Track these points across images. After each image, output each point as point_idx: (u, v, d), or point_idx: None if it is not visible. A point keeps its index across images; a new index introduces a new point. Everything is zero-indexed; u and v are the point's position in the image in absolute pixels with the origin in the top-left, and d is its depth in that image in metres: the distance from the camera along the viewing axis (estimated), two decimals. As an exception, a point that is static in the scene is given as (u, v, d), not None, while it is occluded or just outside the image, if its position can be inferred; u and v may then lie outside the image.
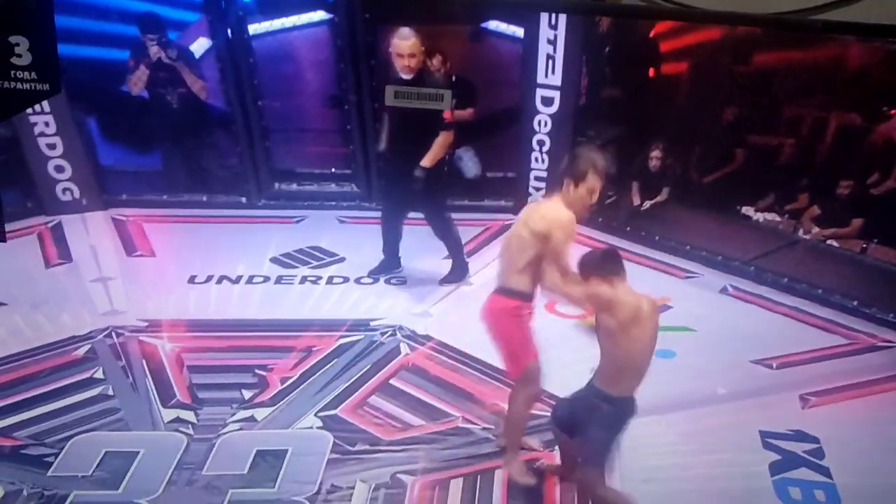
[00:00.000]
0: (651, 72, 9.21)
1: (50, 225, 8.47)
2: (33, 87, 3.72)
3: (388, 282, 7.56)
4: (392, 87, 7.05)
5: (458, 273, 7.59)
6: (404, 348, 6.62)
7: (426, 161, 7.02)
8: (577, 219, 4.92)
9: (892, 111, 8.05)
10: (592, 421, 4.61)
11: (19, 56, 3.66)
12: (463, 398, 6.07)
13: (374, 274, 7.61)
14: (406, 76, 6.92)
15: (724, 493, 5.20)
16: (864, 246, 7.78)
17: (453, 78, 8.74)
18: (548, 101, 8.22)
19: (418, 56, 6.89)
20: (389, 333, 6.79)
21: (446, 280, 7.53)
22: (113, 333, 6.73)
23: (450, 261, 7.64)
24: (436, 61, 8.62)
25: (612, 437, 4.63)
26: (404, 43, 6.82)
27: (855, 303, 7.22)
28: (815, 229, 8.01)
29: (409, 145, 7.10)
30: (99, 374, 6.28)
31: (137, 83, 8.29)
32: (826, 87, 8.40)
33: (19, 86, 3.70)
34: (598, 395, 4.58)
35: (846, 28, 6.88)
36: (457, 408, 5.97)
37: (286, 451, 5.52)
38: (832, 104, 8.50)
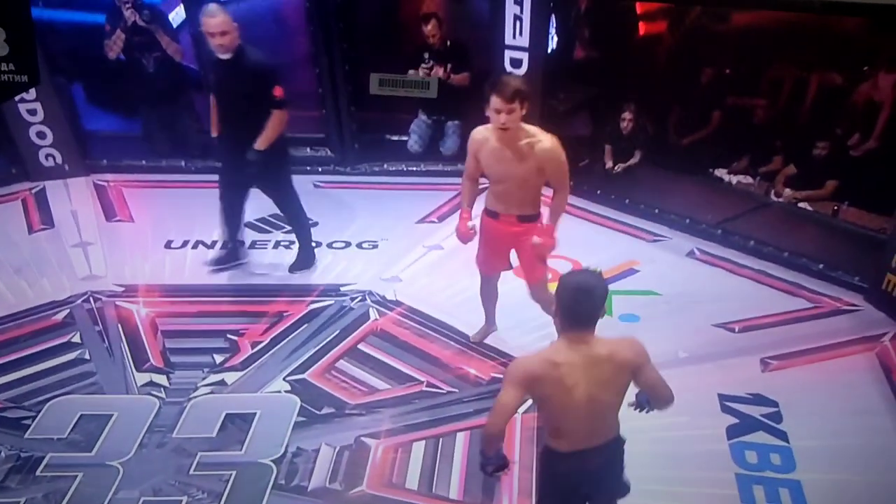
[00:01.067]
0: (623, 31, 9.22)
1: (34, 191, 8.62)
2: (11, 79, 3.64)
3: (359, 246, 7.65)
4: (377, 76, 6.85)
5: (305, 260, 7.30)
6: (373, 314, 6.72)
7: (260, 143, 6.46)
8: (502, 141, 5.28)
9: (872, 70, 8.09)
10: None
11: (-4, 47, 3.54)
12: (429, 362, 6.19)
13: (217, 265, 7.28)
14: (222, 56, 6.31)
15: (680, 456, 5.29)
16: (836, 208, 7.83)
17: (448, 43, 8.79)
18: (516, 63, 8.14)
19: (231, 33, 6.24)
20: (359, 299, 6.89)
21: (294, 267, 7.26)
22: (91, 298, 6.87)
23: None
24: (431, 26, 8.62)
25: (545, 491, 4.15)
26: (212, 21, 6.19)
27: (821, 266, 7.23)
28: (788, 191, 8.06)
29: (241, 127, 6.53)
30: (76, 339, 6.43)
31: (113, 47, 8.34)
32: (805, 46, 8.41)
33: (-2, 77, 3.59)
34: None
35: (845, 8, 6.91)
36: (422, 372, 6.08)
37: (254, 414, 5.67)
38: (811, 64, 8.53)
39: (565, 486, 3.96)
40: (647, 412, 3.97)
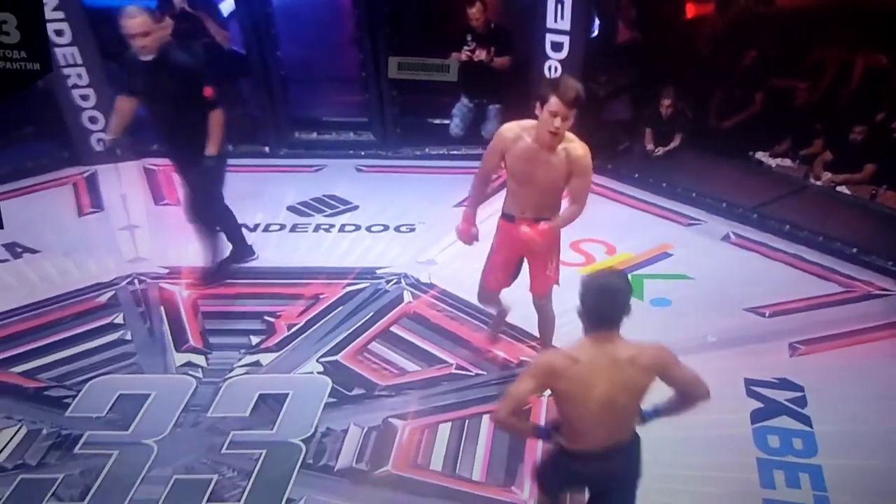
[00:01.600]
0: (668, 14, 9.18)
1: (85, 175, 8.84)
2: (24, 67, 3.52)
3: (397, 229, 7.76)
4: (395, 59, 6.67)
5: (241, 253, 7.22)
6: (407, 296, 6.83)
7: (212, 149, 6.40)
8: (543, 143, 4.96)
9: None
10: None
11: (7, 34, 3.45)
12: (459, 345, 6.28)
13: (232, 263, 7.18)
14: (145, 57, 6.16)
15: (702, 440, 5.30)
16: (874, 192, 7.77)
17: (491, 26, 8.78)
18: (557, 47, 8.06)
19: (153, 33, 6.14)
20: (394, 282, 7.00)
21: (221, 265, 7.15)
22: (136, 280, 7.06)
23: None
24: (475, 9, 8.65)
25: (549, 484, 4.21)
26: (132, 22, 6.02)
27: (855, 250, 7.17)
28: (827, 174, 8.01)
29: (178, 130, 6.45)
30: (119, 320, 6.62)
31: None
32: (851, 27, 8.34)
33: (9, 66, 3.50)
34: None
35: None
36: (452, 354, 6.19)
37: (287, 394, 5.82)
38: (856, 45, 8.45)
39: (570, 484, 4.07)
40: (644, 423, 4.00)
